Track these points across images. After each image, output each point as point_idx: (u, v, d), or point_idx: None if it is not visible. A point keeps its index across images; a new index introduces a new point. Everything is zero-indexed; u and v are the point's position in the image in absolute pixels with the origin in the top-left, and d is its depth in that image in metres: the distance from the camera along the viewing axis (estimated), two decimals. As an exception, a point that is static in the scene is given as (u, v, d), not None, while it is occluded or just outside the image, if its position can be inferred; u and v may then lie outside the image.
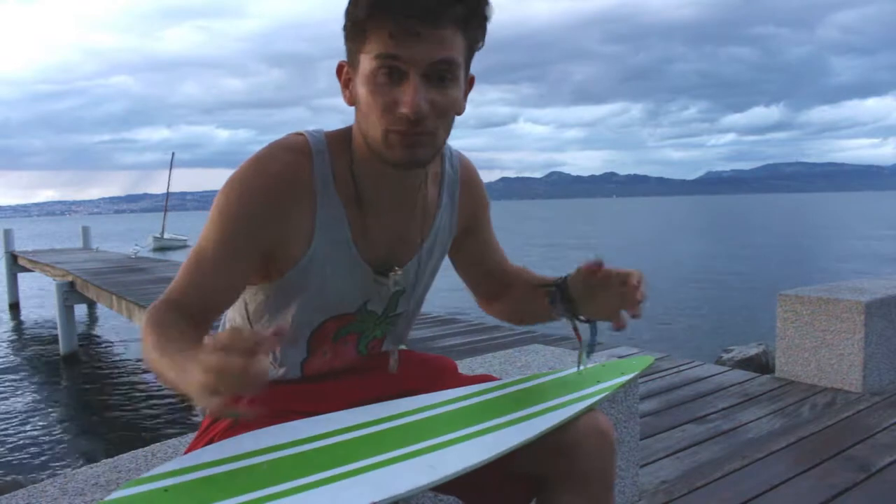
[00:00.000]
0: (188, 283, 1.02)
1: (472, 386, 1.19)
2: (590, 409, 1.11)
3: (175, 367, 0.84)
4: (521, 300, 1.29)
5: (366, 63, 0.95)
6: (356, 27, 0.95)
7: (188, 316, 0.99)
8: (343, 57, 1.02)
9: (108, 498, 0.81)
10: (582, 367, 1.23)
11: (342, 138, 1.08)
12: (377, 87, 0.94)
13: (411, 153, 0.97)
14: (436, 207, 1.17)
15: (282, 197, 1.01)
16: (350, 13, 0.95)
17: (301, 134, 1.06)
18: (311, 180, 1.03)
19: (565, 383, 1.20)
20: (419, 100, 0.93)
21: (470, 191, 1.23)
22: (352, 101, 1.02)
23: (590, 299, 1.13)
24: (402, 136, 0.95)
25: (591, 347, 1.19)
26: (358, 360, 1.18)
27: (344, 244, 1.06)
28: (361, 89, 0.97)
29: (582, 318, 1.16)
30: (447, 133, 1.02)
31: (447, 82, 0.96)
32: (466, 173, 1.22)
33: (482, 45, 1.01)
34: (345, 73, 1.03)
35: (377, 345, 1.20)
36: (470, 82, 1.05)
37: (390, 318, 1.18)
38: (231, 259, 1.01)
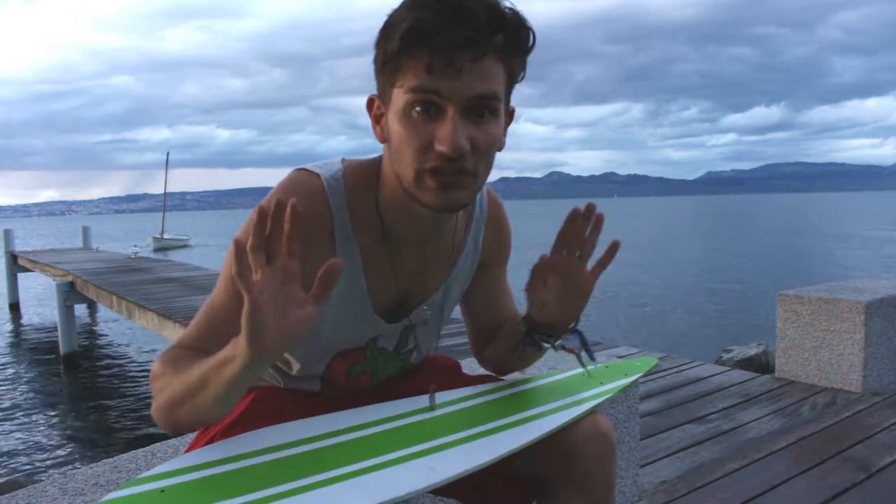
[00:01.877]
0: (203, 331, 0.98)
1: (475, 387, 1.19)
2: (591, 411, 1.11)
3: (210, 365, 0.86)
4: (504, 338, 1.20)
5: (399, 97, 0.89)
6: (390, 60, 0.88)
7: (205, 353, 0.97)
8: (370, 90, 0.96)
9: (104, 499, 0.81)
10: (590, 367, 1.19)
11: (365, 174, 1.01)
12: (412, 123, 0.88)
13: (447, 196, 0.90)
14: (461, 248, 1.13)
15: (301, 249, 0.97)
16: (382, 45, 0.89)
17: (316, 176, 0.99)
18: (329, 233, 0.98)
19: (568, 384, 1.20)
20: (458, 136, 0.86)
21: (493, 227, 1.17)
22: (384, 137, 0.95)
23: (551, 303, 1.05)
24: (438, 177, 0.89)
25: (588, 353, 1.13)
26: (372, 391, 1.17)
27: (359, 299, 1.03)
28: (395, 125, 0.90)
29: (558, 343, 1.10)
30: (487, 173, 0.95)
31: (486, 118, 0.90)
32: (493, 211, 1.17)
33: (524, 76, 0.95)
34: (376, 108, 0.96)
35: (392, 378, 1.18)
36: (510, 115, 0.99)
37: (402, 355, 1.16)
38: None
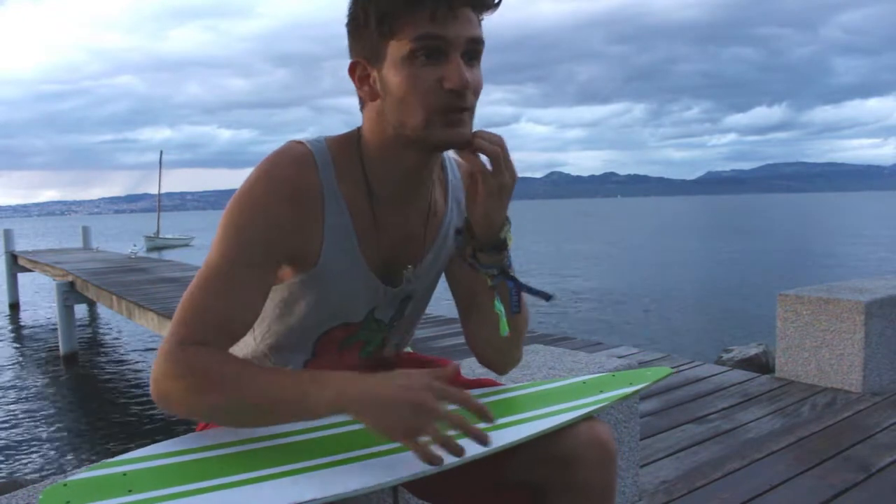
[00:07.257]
0: (206, 310, 0.97)
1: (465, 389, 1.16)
2: (584, 417, 1.06)
3: (305, 385, 0.92)
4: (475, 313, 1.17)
5: (400, 49, 0.95)
6: (388, 16, 0.94)
7: (218, 348, 0.97)
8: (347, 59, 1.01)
9: (70, 478, 0.85)
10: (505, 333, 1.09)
11: (347, 142, 1.07)
12: (417, 69, 0.94)
13: (455, 132, 0.97)
14: (443, 212, 1.16)
15: (293, 209, 1.00)
16: (375, 4, 0.95)
17: (301, 143, 1.05)
18: (318, 190, 1.02)
19: (565, 391, 1.16)
20: (464, 73, 0.94)
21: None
22: (374, 96, 1.00)
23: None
24: (447, 115, 0.96)
25: (516, 298, 1.07)
26: (361, 364, 1.17)
27: (351, 253, 1.05)
28: (395, 77, 0.96)
29: (491, 272, 1.06)
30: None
31: (476, 63, 0.98)
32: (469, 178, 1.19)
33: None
34: (360, 70, 1.01)
35: (380, 349, 1.19)
36: None
37: (395, 325, 1.17)
38: (248, 276, 0.98)
